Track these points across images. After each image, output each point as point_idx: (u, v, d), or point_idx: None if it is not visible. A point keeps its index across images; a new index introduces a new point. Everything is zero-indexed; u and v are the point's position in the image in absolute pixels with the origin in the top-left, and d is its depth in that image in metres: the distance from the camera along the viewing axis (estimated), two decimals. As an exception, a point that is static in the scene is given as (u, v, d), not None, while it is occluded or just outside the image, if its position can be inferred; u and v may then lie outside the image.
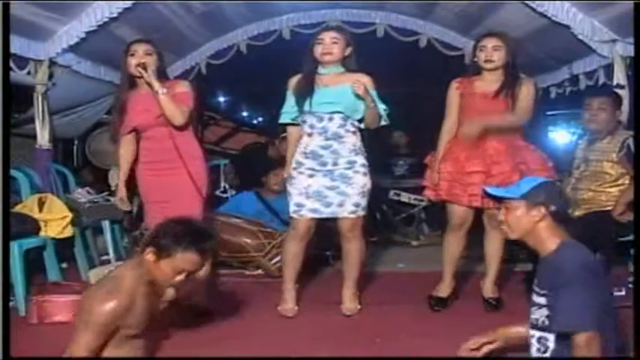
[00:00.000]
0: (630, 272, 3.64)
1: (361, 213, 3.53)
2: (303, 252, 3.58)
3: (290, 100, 3.54)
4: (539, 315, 2.28)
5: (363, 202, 3.51)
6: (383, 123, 3.52)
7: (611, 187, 3.67)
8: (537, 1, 4.28)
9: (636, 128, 3.59)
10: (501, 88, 3.50)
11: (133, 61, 3.42)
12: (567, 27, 4.29)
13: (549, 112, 6.80)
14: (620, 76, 4.21)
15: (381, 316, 3.52)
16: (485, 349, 2.56)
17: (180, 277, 2.45)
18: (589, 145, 3.82)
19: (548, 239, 2.28)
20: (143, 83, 3.46)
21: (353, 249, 3.57)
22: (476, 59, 3.56)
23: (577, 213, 3.74)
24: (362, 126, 3.52)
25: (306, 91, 3.47)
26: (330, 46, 3.44)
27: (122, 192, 3.62)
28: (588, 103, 3.78)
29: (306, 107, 3.45)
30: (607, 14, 4.05)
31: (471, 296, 3.75)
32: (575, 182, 3.81)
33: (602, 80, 4.63)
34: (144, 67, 3.38)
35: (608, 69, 4.40)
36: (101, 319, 2.30)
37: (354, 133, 3.49)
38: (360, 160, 3.49)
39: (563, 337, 2.19)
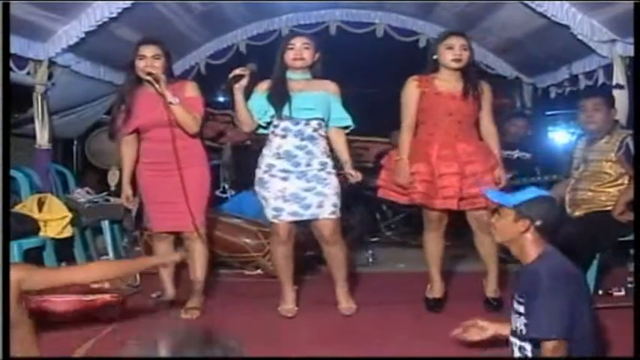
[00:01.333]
0: (630, 272, 3.65)
1: (339, 214, 3.53)
2: (292, 253, 3.59)
3: (258, 103, 3.48)
4: (519, 323, 2.32)
5: (339, 202, 3.52)
6: (348, 130, 3.60)
7: (610, 186, 3.67)
8: (537, 1, 4.28)
9: (636, 128, 3.59)
10: (467, 88, 3.49)
11: (141, 64, 3.43)
12: (567, 27, 4.29)
13: (549, 112, 6.80)
14: (619, 76, 4.21)
15: (381, 316, 3.52)
16: (475, 335, 2.65)
17: None
18: (588, 145, 3.82)
19: (530, 249, 2.34)
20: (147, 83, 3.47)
21: (335, 250, 3.56)
22: (436, 57, 3.52)
23: (577, 213, 3.74)
24: (347, 129, 3.59)
25: (283, 97, 3.45)
26: (301, 51, 3.45)
27: (128, 191, 3.65)
28: (582, 105, 3.78)
29: (286, 112, 3.43)
30: (607, 14, 4.05)
31: (471, 296, 3.75)
32: (574, 182, 3.81)
33: (601, 80, 4.63)
34: (156, 79, 3.39)
35: (608, 69, 4.40)
36: None
37: (324, 137, 3.53)
38: (330, 162, 3.52)
39: (538, 345, 2.24)
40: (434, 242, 3.65)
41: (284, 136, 3.46)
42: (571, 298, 2.19)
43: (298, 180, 3.45)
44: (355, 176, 3.50)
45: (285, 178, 3.46)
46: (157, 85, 3.41)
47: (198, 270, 3.63)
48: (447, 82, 3.52)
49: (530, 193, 2.42)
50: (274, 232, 3.56)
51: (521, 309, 2.30)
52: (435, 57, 3.53)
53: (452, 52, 3.47)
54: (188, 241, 3.63)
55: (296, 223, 3.56)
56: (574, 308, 2.18)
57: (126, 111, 3.50)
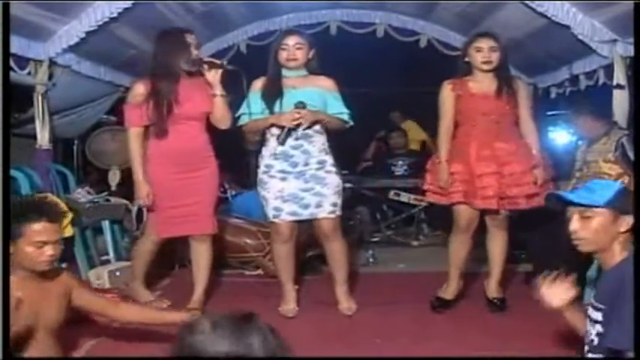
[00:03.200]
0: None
1: (339, 213, 3.54)
2: (293, 252, 3.60)
3: (254, 102, 3.49)
4: (593, 332, 2.08)
5: (340, 201, 3.53)
6: (347, 126, 3.56)
7: (611, 187, 3.66)
8: (537, 1, 4.27)
9: (636, 128, 3.59)
10: (501, 87, 3.50)
11: (193, 53, 3.42)
12: (567, 27, 4.29)
13: (549, 112, 6.79)
14: (620, 77, 4.20)
15: (381, 316, 3.52)
16: (558, 296, 2.29)
17: (45, 251, 2.39)
18: (588, 147, 3.85)
19: (620, 252, 2.06)
20: (183, 74, 3.43)
21: (336, 249, 3.57)
22: (468, 60, 3.55)
23: (577, 213, 3.73)
24: (345, 126, 3.56)
25: (275, 94, 3.46)
26: (294, 51, 3.46)
27: (146, 187, 3.46)
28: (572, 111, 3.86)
29: (277, 109, 3.44)
30: (607, 14, 4.05)
31: (473, 297, 3.75)
32: (575, 183, 3.82)
33: (602, 80, 4.62)
34: (217, 66, 3.43)
35: (608, 69, 4.40)
36: None
37: (321, 133, 3.51)
38: (330, 159, 3.52)
39: (613, 354, 1.98)
40: (460, 244, 3.63)
41: (279, 137, 3.45)
42: None
43: (296, 180, 3.45)
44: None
45: (283, 179, 3.46)
46: (212, 74, 3.41)
47: (203, 271, 3.61)
48: (481, 83, 3.53)
49: (607, 186, 2.12)
50: (275, 231, 3.57)
51: (599, 316, 2.05)
52: (466, 59, 3.56)
53: (481, 55, 3.49)
54: (196, 243, 3.60)
55: (297, 222, 3.56)
56: None
57: (161, 100, 3.37)
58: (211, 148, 3.57)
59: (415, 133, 7.02)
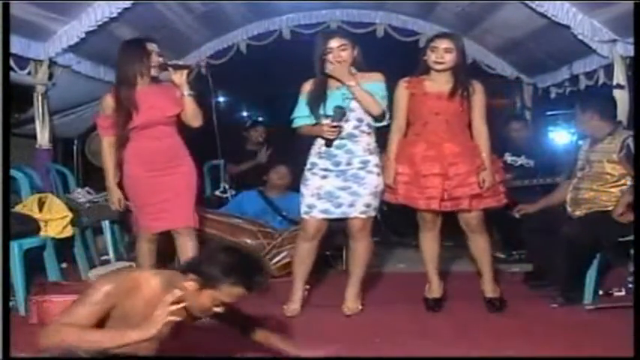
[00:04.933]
0: (630, 272, 3.64)
1: (372, 213, 3.54)
2: (315, 252, 3.61)
3: (303, 104, 3.52)
4: None
5: (375, 202, 3.53)
6: (384, 122, 3.52)
7: (612, 187, 3.66)
8: (537, 1, 4.27)
9: (636, 128, 3.59)
10: (455, 88, 3.50)
11: (154, 60, 3.50)
12: (567, 27, 4.29)
13: (549, 112, 6.80)
14: (620, 77, 4.21)
15: (381, 316, 3.52)
16: None
17: (216, 309, 2.23)
18: (590, 146, 3.83)
19: None
20: (145, 81, 3.51)
21: (361, 248, 3.58)
22: (425, 58, 3.55)
23: (577, 213, 3.74)
24: (377, 125, 3.52)
25: (321, 96, 3.47)
26: (339, 53, 3.44)
27: (119, 193, 3.63)
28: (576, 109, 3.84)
29: (322, 111, 3.45)
30: (607, 14, 4.05)
31: (473, 297, 3.75)
32: (577, 182, 3.81)
33: (602, 80, 4.63)
34: (182, 67, 3.51)
35: (608, 69, 4.40)
36: (93, 292, 2.16)
37: (368, 133, 3.51)
38: (374, 159, 3.51)
39: None
40: (429, 242, 3.65)
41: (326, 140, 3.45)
42: None
43: (336, 178, 3.47)
44: None
45: (324, 177, 3.48)
46: (178, 76, 3.48)
47: None
48: (436, 83, 3.54)
49: None
50: (302, 227, 3.60)
51: None
52: (424, 58, 3.56)
53: (435, 54, 3.50)
54: (182, 238, 3.62)
55: (329, 221, 3.56)
56: None
57: (130, 109, 3.48)
58: (185, 148, 3.62)
59: None
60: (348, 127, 3.44)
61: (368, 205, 3.49)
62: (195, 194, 3.64)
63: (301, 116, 3.53)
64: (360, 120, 3.46)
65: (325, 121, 3.43)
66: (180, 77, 3.51)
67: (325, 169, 3.48)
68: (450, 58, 3.48)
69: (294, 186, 4.29)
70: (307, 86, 3.54)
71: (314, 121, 3.50)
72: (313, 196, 3.50)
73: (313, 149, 3.55)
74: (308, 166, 3.55)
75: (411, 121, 3.60)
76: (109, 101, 3.55)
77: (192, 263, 2.32)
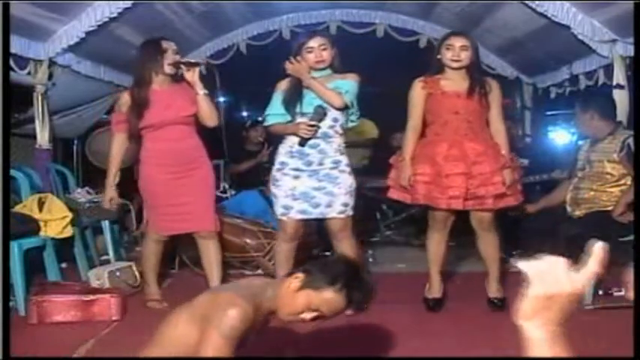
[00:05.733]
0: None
1: (350, 212, 3.54)
2: (294, 253, 3.60)
3: (277, 102, 3.53)
4: None
5: (351, 201, 3.53)
6: (355, 122, 3.64)
7: (612, 187, 3.67)
8: (537, 1, 4.27)
9: (636, 128, 3.59)
10: (473, 86, 3.50)
11: (169, 58, 3.50)
12: (567, 27, 4.29)
13: (549, 112, 6.80)
14: (620, 77, 4.21)
15: (381, 316, 3.51)
16: None
17: (306, 316, 2.11)
18: (591, 146, 3.84)
19: None
20: (163, 80, 3.51)
21: (345, 247, 3.57)
22: (440, 57, 3.54)
23: (577, 213, 3.74)
24: (350, 125, 3.59)
25: (297, 94, 3.48)
26: (320, 53, 3.46)
27: (113, 192, 3.66)
28: (575, 109, 3.84)
29: (298, 109, 3.47)
30: (607, 14, 4.05)
31: (473, 297, 3.75)
32: (577, 182, 3.82)
33: (602, 80, 4.63)
34: (194, 65, 3.52)
35: (608, 69, 4.40)
36: (233, 322, 1.98)
37: (340, 134, 3.52)
38: (345, 159, 3.52)
39: None
40: (437, 242, 3.64)
41: (300, 139, 3.45)
42: None
43: (309, 179, 3.46)
44: None
45: (296, 177, 3.48)
46: (190, 74, 3.48)
47: (215, 269, 3.67)
48: (453, 82, 3.53)
49: None
50: (281, 229, 3.59)
51: None
52: (438, 57, 3.55)
53: (451, 52, 3.48)
54: (202, 241, 3.65)
55: (306, 221, 3.57)
56: None
57: (143, 108, 3.49)
58: (203, 150, 3.62)
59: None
60: (323, 126, 3.44)
61: (346, 205, 3.49)
62: (213, 196, 3.66)
63: (275, 114, 3.53)
64: (335, 120, 3.47)
65: (300, 120, 3.44)
66: (192, 75, 3.51)
67: (297, 169, 3.47)
68: (465, 56, 3.48)
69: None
70: (283, 84, 3.54)
71: (288, 119, 3.50)
72: (288, 197, 3.49)
73: (282, 148, 3.53)
74: (277, 165, 3.53)
75: (429, 121, 3.58)
76: (126, 98, 3.58)
77: (307, 266, 2.21)
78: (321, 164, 3.47)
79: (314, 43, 3.47)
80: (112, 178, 3.64)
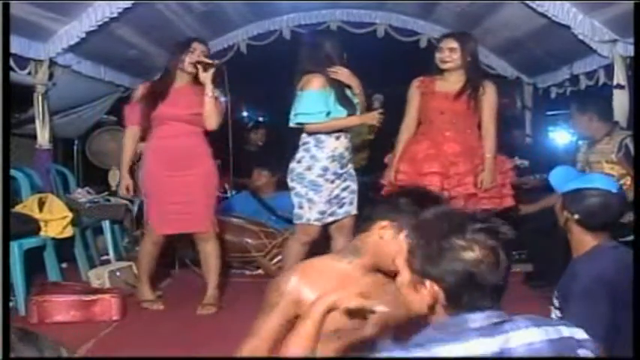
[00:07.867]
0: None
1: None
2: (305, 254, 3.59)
3: (318, 101, 3.30)
4: (554, 316, 2.07)
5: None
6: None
7: (611, 187, 3.66)
8: (537, 1, 4.27)
9: (636, 128, 3.59)
10: (463, 88, 3.51)
11: (193, 57, 3.52)
12: (567, 27, 4.29)
13: (549, 112, 6.79)
14: (620, 76, 4.20)
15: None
16: None
17: (400, 263, 1.52)
18: (589, 147, 3.85)
19: (578, 244, 2.12)
20: (185, 78, 3.56)
21: (344, 243, 3.55)
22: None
23: (577, 213, 3.73)
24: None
25: (341, 90, 3.36)
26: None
27: (129, 180, 3.66)
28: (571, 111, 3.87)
29: (337, 105, 3.35)
30: (607, 14, 4.05)
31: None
32: (577, 182, 3.81)
33: (602, 80, 4.62)
34: (211, 65, 3.52)
35: (608, 69, 4.39)
36: (272, 294, 1.90)
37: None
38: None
39: None
40: None
41: (338, 137, 3.39)
42: (605, 310, 1.89)
43: (341, 181, 3.43)
44: None
45: (333, 181, 3.39)
46: (205, 75, 3.49)
47: (212, 269, 3.66)
48: (447, 82, 3.55)
49: (583, 182, 2.16)
50: (305, 232, 3.42)
51: (556, 303, 2.08)
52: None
53: (440, 54, 3.52)
54: (201, 242, 3.65)
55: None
56: (608, 320, 1.87)
57: (157, 101, 3.52)
58: (206, 149, 3.62)
59: None
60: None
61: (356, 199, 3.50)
62: (213, 196, 3.65)
63: (315, 112, 3.31)
64: None
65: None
66: (206, 76, 3.51)
67: (335, 173, 3.39)
68: (454, 58, 3.48)
69: (282, 186, 4.26)
70: (316, 83, 3.31)
71: (326, 119, 3.32)
72: (326, 203, 3.37)
73: (322, 152, 3.34)
74: (318, 171, 3.35)
75: (420, 120, 3.63)
76: (140, 91, 3.63)
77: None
78: (348, 164, 3.46)
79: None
80: (126, 167, 3.66)
